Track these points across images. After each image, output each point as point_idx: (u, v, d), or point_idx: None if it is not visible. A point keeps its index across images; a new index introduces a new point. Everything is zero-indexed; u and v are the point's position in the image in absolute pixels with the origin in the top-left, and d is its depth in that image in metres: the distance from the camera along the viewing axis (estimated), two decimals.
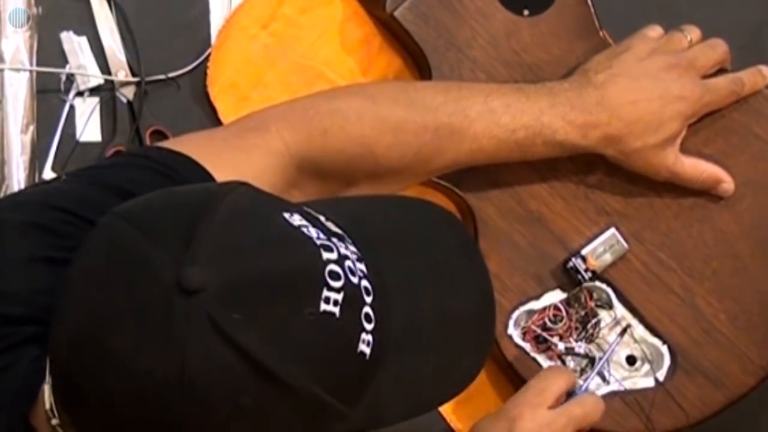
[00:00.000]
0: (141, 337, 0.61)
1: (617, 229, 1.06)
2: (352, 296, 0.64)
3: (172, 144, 0.88)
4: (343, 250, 0.65)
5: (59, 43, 1.06)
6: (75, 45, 1.06)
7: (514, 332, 1.05)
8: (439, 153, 0.95)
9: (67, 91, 1.06)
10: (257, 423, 0.63)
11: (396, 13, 1.06)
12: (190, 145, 0.87)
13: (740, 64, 1.11)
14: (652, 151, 0.99)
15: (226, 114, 1.08)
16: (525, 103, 0.96)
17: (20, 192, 0.97)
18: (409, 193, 1.10)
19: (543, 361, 1.05)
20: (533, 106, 0.96)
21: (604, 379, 1.06)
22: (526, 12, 1.08)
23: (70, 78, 1.06)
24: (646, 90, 0.98)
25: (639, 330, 1.06)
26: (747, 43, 1.17)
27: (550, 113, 0.96)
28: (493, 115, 0.94)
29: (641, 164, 1.01)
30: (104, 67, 1.07)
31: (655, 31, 1.03)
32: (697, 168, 1.03)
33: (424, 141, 0.93)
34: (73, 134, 1.06)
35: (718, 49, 1.03)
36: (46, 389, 0.68)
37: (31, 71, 1.05)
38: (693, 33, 1.03)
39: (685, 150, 1.05)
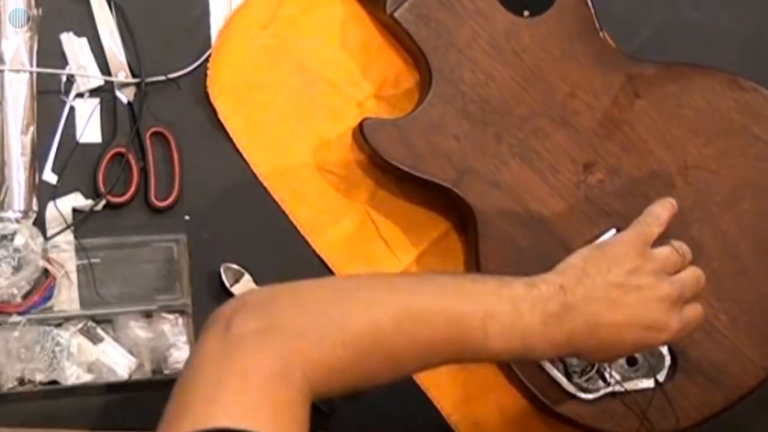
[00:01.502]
0: None
1: (617, 230, 1.06)
2: None
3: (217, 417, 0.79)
4: None
5: (59, 44, 1.06)
6: (75, 46, 1.06)
7: None
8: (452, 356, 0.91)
9: (67, 92, 1.06)
10: None
11: (396, 14, 1.06)
12: (238, 415, 0.78)
13: (740, 65, 1.11)
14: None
15: (226, 115, 1.08)
16: (516, 327, 0.89)
17: None
18: (409, 194, 1.10)
19: (543, 362, 1.05)
20: (522, 325, 0.90)
21: (604, 380, 1.06)
22: (526, 13, 1.08)
23: (71, 79, 1.06)
24: (624, 317, 0.92)
25: None
26: (747, 43, 1.17)
27: (537, 337, 0.90)
28: (488, 348, 0.89)
29: None
30: (104, 68, 1.07)
31: (644, 235, 0.97)
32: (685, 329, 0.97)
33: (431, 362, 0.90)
34: (74, 135, 1.06)
35: (701, 283, 0.98)
36: None
37: (31, 72, 1.05)
38: (688, 255, 0.98)
39: (685, 151, 1.06)
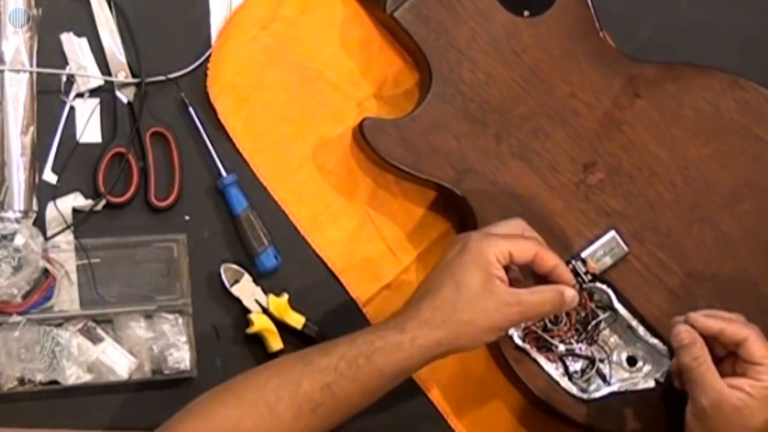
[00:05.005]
0: None
1: (617, 231, 1.06)
2: None
3: None
4: None
5: (59, 44, 1.06)
6: (75, 46, 1.06)
7: (514, 333, 1.05)
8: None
9: (67, 92, 1.06)
10: None
11: (396, 14, 1.06)
12: None
13: (740, 65, 1.11)
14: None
15: (225, 115, 1.08)
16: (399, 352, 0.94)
17: None
18: (409, 194, 1.10)
19: (544, 362, 1.05)
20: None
21: (604, 380, 1.06)
22: (526, 13, 1.08)
23: (70, 79, 1.06)
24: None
25: (639, 331, 1.06)
26: (747, 44, 1.17)
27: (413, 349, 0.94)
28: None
29: None
30: (104, 68, 1.07)
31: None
32: (539, 301, 0.97)
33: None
34: (73, 135, 1.06)
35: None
36: None
37: (31, 72, 1.05)
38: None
39: (685, 151, 1.06)
